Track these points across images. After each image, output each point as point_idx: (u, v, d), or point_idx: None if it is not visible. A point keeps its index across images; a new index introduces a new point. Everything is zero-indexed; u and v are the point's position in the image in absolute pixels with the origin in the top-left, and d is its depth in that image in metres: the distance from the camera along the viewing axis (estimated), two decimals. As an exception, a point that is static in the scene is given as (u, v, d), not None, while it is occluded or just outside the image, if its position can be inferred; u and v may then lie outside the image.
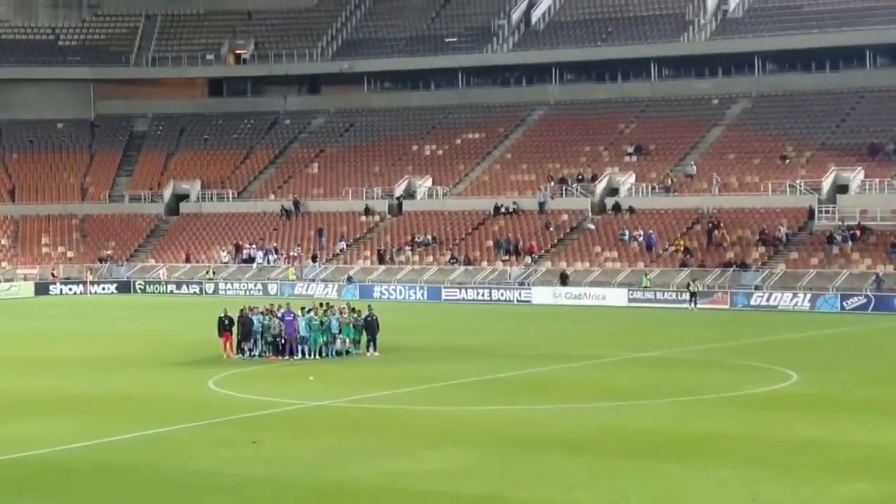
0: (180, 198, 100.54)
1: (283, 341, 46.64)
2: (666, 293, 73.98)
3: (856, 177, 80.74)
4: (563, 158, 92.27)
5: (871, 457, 27.90)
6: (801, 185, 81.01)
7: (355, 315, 48.13)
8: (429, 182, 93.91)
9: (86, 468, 27.45)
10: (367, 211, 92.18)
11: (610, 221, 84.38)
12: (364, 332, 47.76)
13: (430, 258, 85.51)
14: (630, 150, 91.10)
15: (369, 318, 47.79)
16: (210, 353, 47.37)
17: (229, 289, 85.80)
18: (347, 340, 47.33)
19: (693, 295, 70.71)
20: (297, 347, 46.50)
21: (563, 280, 78.01)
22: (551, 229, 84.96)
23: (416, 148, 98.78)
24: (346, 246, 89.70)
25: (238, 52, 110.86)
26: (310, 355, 46.36)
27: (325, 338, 46.75)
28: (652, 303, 73.38)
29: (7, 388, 40.09)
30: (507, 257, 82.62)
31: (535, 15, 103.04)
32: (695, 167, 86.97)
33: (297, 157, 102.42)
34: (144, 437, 31.16)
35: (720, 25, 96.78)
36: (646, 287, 74.82)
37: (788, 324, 61.79)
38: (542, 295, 76.77)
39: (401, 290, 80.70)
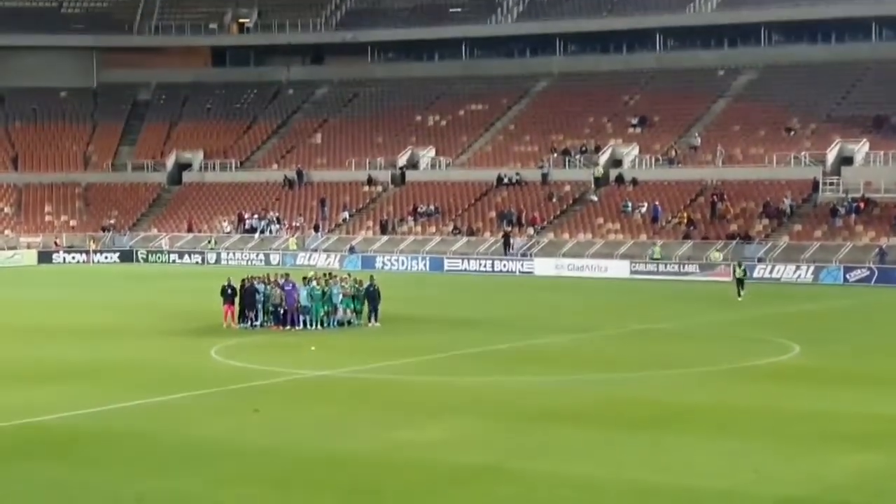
0: (183, 167, 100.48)
1: (283, 311, 46.65)
2: (669, 265, 73.90)
3: (860, 149, 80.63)
4: (566, 130, 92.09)
5: (873, 429, 27.89)
6: (805, 157, 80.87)
7: (356, 285, 48.08)
8: (432, 153, 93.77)
9: (87, 435, 27.49)
10: (370, 181, 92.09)
11: (613, 193, 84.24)
12: (365, 303, 47.75)
13: (433, 229, 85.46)
14: (634, 121, 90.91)
15: (371, 289, 47.76)
16: (212, 323, 47.40)
17: (231, 258, 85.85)
18: (349, 310, 47.33)
19: (740, 282, 59.75)
20: (298, 317, 46.50)
21: (507, 242, 78.84)
22: (554, 201, 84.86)
23: (420, 118, 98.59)
24: (349, 216, 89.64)
25: (241, 21, 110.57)
26: (311, 325, 46.36)
27: (326, 308, 46.74)
28: (654, 275, 73.30)
29: (9, 356, 40.13)
30: (509, 228, 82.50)
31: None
32: (699, 139, 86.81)
33: (300, 128, 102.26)
34: (146, 405, 31.18)
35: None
36: (657, 259, 74.49)
37: (791, 296, 61.74)
38: (545, 266, 76.69)
39: (403, 261, 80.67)
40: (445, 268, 79.14)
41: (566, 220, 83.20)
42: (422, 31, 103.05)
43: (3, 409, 30.42)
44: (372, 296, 47.62)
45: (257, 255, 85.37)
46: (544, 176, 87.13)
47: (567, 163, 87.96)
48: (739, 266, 61.62)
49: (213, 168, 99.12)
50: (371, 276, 49.44)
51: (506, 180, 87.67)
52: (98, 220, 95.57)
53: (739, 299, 57.65)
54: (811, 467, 24.29)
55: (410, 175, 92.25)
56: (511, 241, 79.68)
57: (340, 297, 46.94)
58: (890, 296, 62.14)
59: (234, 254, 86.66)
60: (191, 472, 24.10)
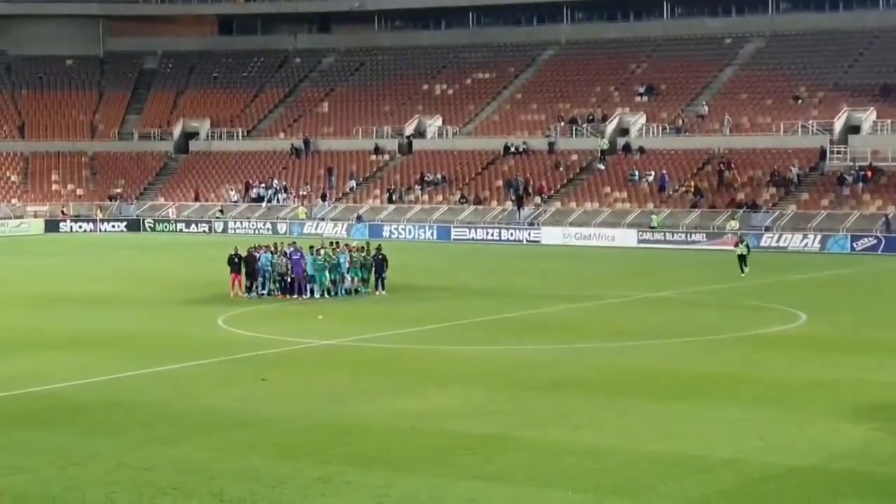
0: (190, 136, 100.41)
1: (290, 279, 46.67)
2: (675, 234, 73.89)
3: (868, 117, 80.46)
4: (573, 98, 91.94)
5: (880, 397, 27.93)
6: (813, 126, 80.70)
7: (363, 254, 48.12)
8: (439, 121, 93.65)
9: (96, 403, 27.57)
10: (377, 150, 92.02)
11: (620, 162, 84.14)
12: (372, 272, 47.80)
13: (440, 197, 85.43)
14: (641, 90, 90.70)
15: (378, 257, 47.83)
16: (219, 292, 47.48)
17: (238, 227, 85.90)
18: (356, 279, 47.37)
19: (742, 258, 54.77)
20: (305, 286, 46.54)
21: (520, 206, 79.11)
22: (561, 169, 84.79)
23: (427, 87, 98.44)
24: (356, 185, 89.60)
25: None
26: (317, 294, 46.30)
27: (332, 276, 46.76)
28: (661, 244, 73.31)
29: (17, 324, 40.24)
30: (514, 197, 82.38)
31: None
32: (706, 107, 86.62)
33: (307, 96, 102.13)
34: (154, 373, 31.28)
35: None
36: (655, 227, 74.70)
37: (798, 265, 61.70)
38: (552, 235, 76.73)
39: (410, 230, 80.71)
40: (452, 237, 79.20)
41: (573, 188, 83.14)
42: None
43: (10, 378, 30.54)
44: (379, 264, 47.69)
45: (264, 224, 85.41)
46: (551, 145, 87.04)
47: (574, 132, 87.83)
48: (742, 241, 57.15)
49: (220, 137, 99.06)
50: (378, 245, 49.49)
51: (513, 149, 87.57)
52: (105, 188, 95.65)
53: (743, 275, 53.85)
54: (817, 435, 24.32)
55: (417, 144, 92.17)
56: (521, 207, 79.79)
57: (347, 265, 46.99)
58: (897, 264, 62.10)
59: (241, 223, 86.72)
60: (198, 440, 24.17)
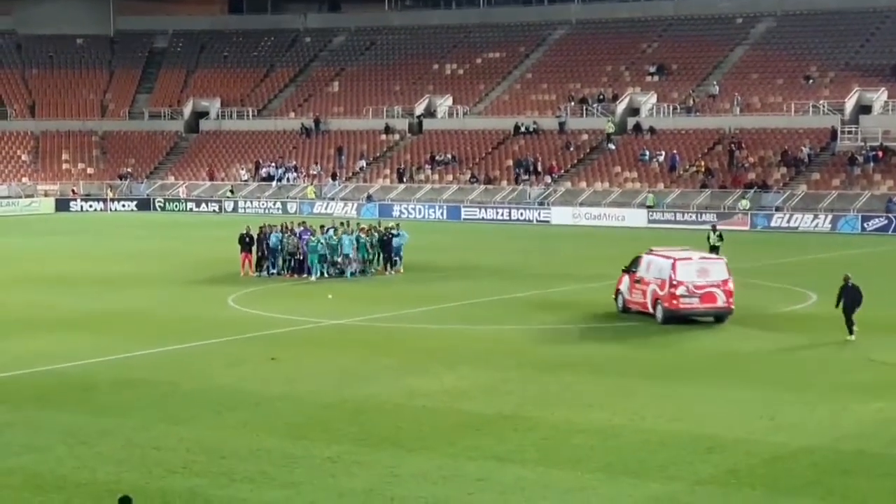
0: (200, 115, 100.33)
1: (300, 258, 46.64)
2: (686, 214, 73.78)
3: (879, 97, 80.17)
4: (583, 78, 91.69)
5: (890, 377, 27.92)
6: (824, 106, 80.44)
7: (372, 233, 48.02)
8: (449, 101, 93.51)
9: (106, 382, 27.66)
10: (388, 130, 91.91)
11: (630, 142, 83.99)
12: (381, 251, 47.81)
13: (450, 177, 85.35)
14: (652, 69, 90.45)
15: (384, 238, 47.82)
16: (229, 271, 47.51)
17: (248, 207, 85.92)
18: (364, 259, 47.28)
19: (714, 249, 48.16)
20: (315, 266, 46.50)
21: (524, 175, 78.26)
22: (571, 149, 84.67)
23: (437, 67, 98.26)
24: (366, 165, 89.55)
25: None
26: (321, 273, 46.00)
27: (335, 257, 46.61)
28: (672, 223, 73.17)
29: (28, 303, 40.31)
30: (526, 177, 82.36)
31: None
32: (717, 87, 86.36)
33: (317, 76, 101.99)
34: (164, 353, 31.35)
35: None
36: (650, 206, 74.59)
37: (809, 245, 61.61)
38: (561, 215, 76.65)
39: (420, 209, 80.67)
40: (462, 216, 79.16)
41: (583, 168, 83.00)
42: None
43: (21, 357, 30.64)
44: (385, 244, 47.64)
45: (275, 204, 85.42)
46: (561, 125, 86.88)
47: (584, 111, 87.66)
48: (714, 231, 51.36)
49: (231, 116, 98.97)
50: (395, 225, 49.60)
51: (523, 129, 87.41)
52: (115, 168, 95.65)
53: None
54: (827, 415, 24.34)
55: (428, 123, 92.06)
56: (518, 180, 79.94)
57: (354, 245, 46.89)
58: (908, 245, 61.93)
59: (251, 202, 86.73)
60: (208, 420, 24.23)
